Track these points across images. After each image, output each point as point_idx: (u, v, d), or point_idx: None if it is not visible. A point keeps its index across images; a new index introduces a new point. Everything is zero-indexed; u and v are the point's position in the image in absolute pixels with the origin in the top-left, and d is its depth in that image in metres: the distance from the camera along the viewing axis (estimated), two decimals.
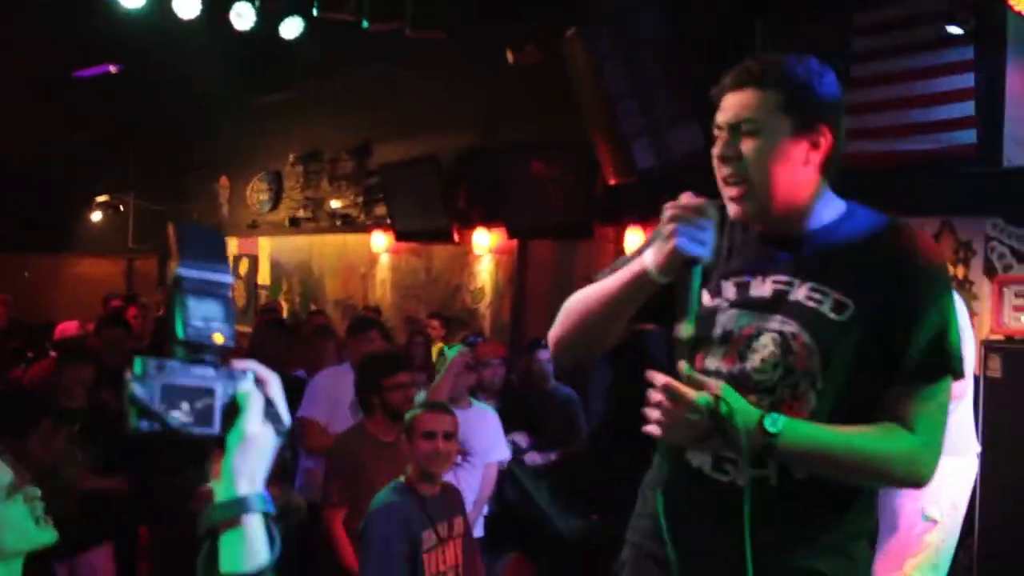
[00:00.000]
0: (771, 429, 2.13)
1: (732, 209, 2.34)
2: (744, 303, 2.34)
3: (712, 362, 2.34)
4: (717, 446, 2.20)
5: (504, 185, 9.59)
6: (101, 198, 15.54)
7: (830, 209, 2.37)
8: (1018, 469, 4.70)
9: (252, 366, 1.51)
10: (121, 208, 15.70)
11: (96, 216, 15.84)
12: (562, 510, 6.43)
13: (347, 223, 12.33)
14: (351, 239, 12.39)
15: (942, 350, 2.25)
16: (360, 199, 12.12)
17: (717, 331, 2.35)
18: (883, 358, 2.24)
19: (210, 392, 1.44)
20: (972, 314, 6.25)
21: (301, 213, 13.20)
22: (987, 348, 5.90)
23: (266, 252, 14.22)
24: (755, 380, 2.28)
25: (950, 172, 6.38)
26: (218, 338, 1.46)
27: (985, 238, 6.39)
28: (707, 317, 2.35)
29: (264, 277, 14.20)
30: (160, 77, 11.85)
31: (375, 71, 10.80)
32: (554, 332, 2.55)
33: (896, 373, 2.24)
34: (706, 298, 2.38)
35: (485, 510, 6.13)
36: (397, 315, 11.05)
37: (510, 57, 8.45)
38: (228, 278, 1.49)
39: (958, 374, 2.27)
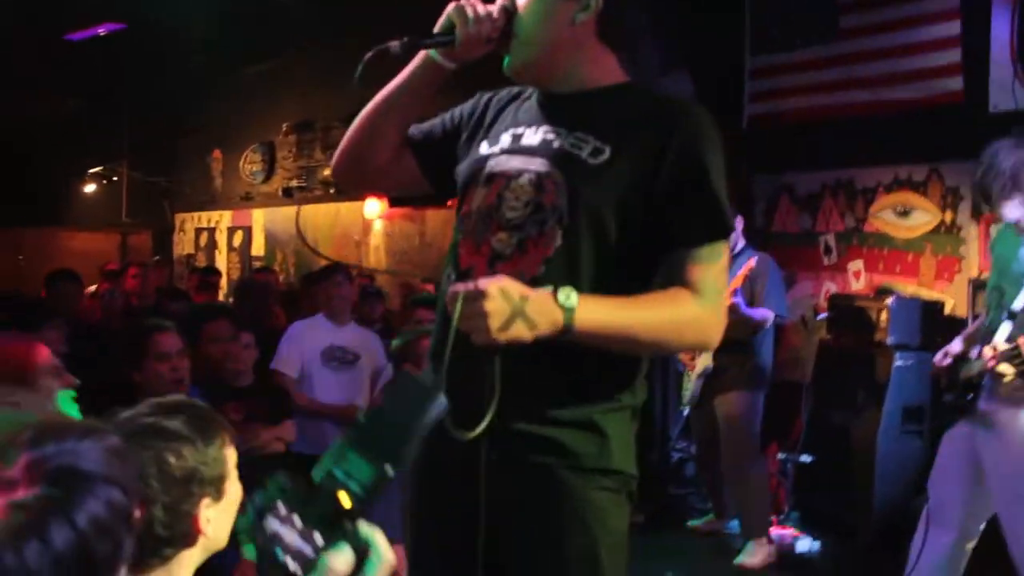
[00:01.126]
0: (564, 303, 2.13)
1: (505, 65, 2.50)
2: (513, 150, 2.46)
3: (475, 202, 2.46)
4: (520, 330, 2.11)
5: None
6: (94, 169, 15.56)
7: (609, 76, 2.45)
8: None
9: (375, 534, 1.47)
10: (115, 179, 15.72)
11: (89, 188, 15.86)
12: None
13: (340, 191, 12.37)
14: (344, 207, 12.44)
15: (717, 211, 2.33)
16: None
17: (484, 174, 2.47)
18: (650, 214, 2.31)
19: (303, 559, 1.41)
20: (958, 258, 6.37)
21: (294, 183, 13.22)
22: (975, 287, 6.02)
23: (260, 224, 14.25)
24: (507, 217, 2.38)
25: (938, 119, 6.47)
26: (343, 498, 1.43)
27: (972, 184, 6.48)
28: (480, 163, 2.50)
29: (258, 248, 14.24)
30: (152, 43, 11.86)
31: (363, 36, 10.83)
32: (338, 149, 2.66)
33: (673, 236, 2.32)
34: (484, 147, 2.52)
35: None
36: (391, 281, 11.12)
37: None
38: (402, 459, 1.47)
39: (729, 232, 2.38)
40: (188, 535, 2.06)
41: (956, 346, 4.42)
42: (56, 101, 13.47)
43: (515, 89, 2.60)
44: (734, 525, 6.21)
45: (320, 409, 5.72)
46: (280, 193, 13.42)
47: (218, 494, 2.10)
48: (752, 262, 5.87)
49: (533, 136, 2.45)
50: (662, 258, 2.34)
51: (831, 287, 7.28)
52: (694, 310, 2.29)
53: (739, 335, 5.92)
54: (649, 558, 6.06)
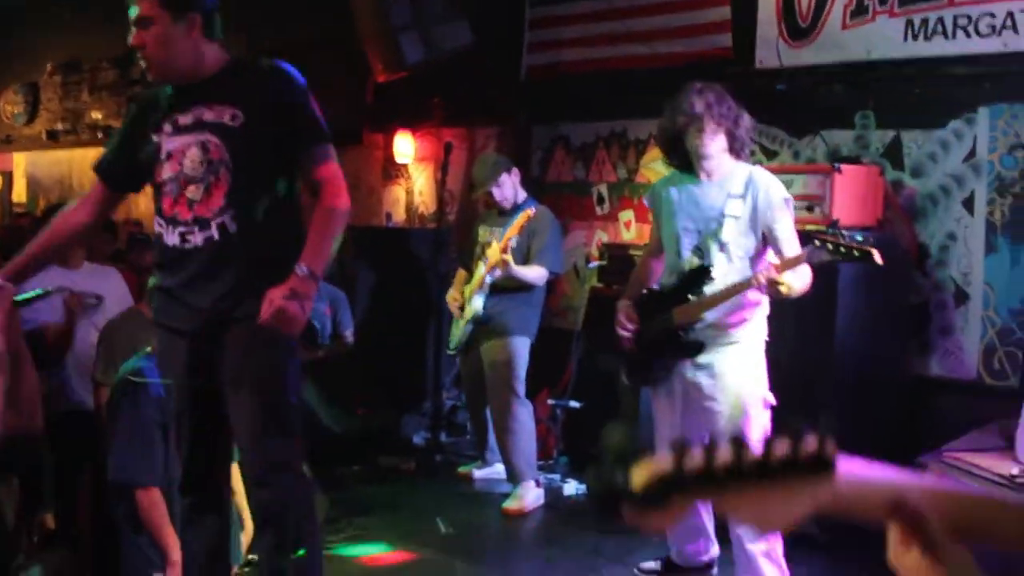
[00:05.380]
0: None
1: (151, 75, 3.53)
2: (176, 130, 3.49)
3: (165, 173, 3.47)
4: None
5: None
6: None
7: (218, 62, 3.57)
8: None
9: None
10: None
11: None
12: (329, 406, 6.42)
13: (109, 135, 11.83)
14: None
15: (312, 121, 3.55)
16: (123, 110, 11.64)
17: (163, 155, 3.49)
18: (273, 144, 3.47)
19: None
20: None
21: (60, 126, 12.60)
22: None
23: (21, 168, 13.53)
24: (190, 175, 3.45)
25: (708, 73, 6.59)
26: None
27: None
28: (156, 149, 3.50)
29: (20, 194, 13.52)
30: None
31: None
32: None
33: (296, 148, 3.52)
34: (154, 136, 3.51)
35: None
36: None
37: None
38: None
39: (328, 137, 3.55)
40: None
41: (627, 316, 4.65)
42: None
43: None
44: (503, 470, 6.23)
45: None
46: (44, 136, 12.76)
47: None
48: (531, 211, 5.86)
49: (186, 118, 3.51)
50: None
51: (603, 236, 7.39)
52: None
53: (509, 284, 5.94)
54: (420, 504, 6.04)
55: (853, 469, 1.21)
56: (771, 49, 6.38)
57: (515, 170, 6.20)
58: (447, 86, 8.11)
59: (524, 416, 6.00)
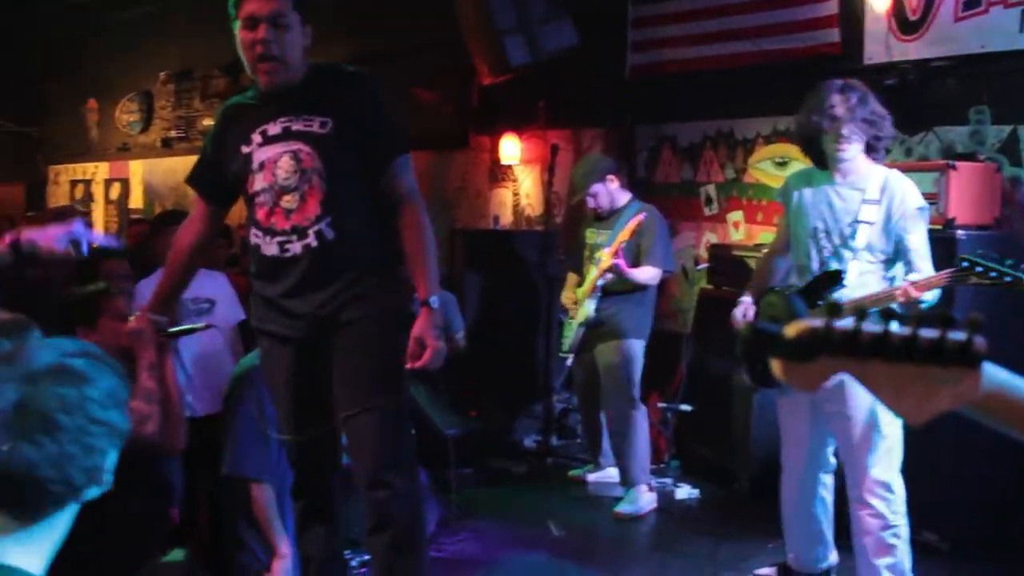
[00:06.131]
0: None
1: (264, 80, 3.54)
2: (266, 141, 3.52)
3: (258, 184, 3.52)
4: None
5: None
6: None
7: (304, 71, 3.60)
8: None
9: None
10: None
11: None
12: (441, 409, 6.49)
13: (203, 147, 12.08)
14: None
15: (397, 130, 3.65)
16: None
17: (255, 166, 3.53)
18: (362, 149, 3.51)
19: None
20: None
21: (173, 133, 12.92)
22: None
23: (138, 176, 13.89)
24: (284, 185, 3.49)
25: (816, 70, 6.50)
26: None
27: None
28: (247, 160, 3.55)
29: (137, 201, 13.89)
30: None
31: None
32: None
33: (382, 157, 3.57)
34: (244, 148, 3.55)
35: None
36: None
37: None
38: None
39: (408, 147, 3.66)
40: None
41: (743, 313, 4.57)
42: None
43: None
44: (615, 474, 6.23)
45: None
46: (159, 144, 13.10)
47: None
48: (641, 217, 5.85)
49: (275, 127, 3.56)
50: None
51: (711, 237, 7.33)
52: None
53: (622, 287, 5.94)
54: (531, 507, 6.08)
55: (1000, 375, 1.19)
56: (880, 44, 6.26)
57: (610, 177, 6.14)
58: (552, 87, 8.14)
59: (639, 420, 6.00)
